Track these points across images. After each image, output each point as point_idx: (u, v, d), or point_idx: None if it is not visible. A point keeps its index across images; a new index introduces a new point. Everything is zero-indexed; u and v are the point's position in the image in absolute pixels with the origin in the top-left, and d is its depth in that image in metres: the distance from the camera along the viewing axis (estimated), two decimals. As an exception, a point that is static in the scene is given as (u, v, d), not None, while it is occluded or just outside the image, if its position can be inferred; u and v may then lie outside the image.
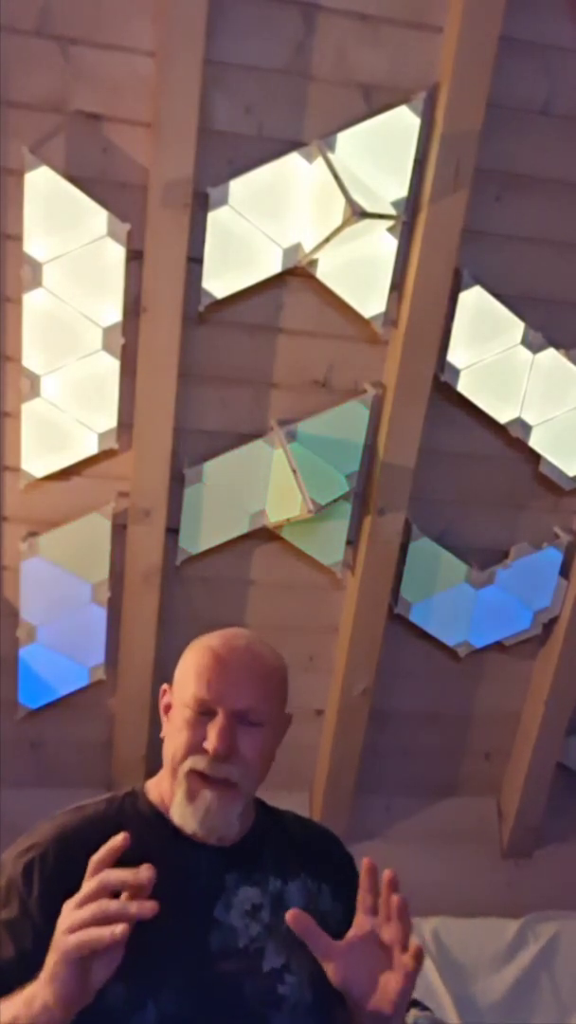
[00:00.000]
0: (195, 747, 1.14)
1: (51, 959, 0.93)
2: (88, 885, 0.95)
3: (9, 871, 1.12)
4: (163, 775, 1.21)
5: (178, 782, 1.15)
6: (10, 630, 2.05)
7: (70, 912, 0.94)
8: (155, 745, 2.17)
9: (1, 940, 1.07)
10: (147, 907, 0.92)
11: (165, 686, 1.26)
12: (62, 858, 1.11)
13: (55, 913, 1.04)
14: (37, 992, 0.94)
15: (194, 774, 1.14)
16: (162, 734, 1.22)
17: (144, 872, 0.94)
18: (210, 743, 1.13)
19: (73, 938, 0.92)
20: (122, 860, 1.14)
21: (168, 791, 1.18)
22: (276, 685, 1.21)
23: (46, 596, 2.02)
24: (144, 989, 1.05)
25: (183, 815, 1.15)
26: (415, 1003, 1.25)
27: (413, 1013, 1.22)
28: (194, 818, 1.14)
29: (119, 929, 0.90)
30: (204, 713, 1.15)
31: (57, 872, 1.10)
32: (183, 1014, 1.05)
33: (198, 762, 1.14)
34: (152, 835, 1.16)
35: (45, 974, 0.94)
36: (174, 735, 1.17)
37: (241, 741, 1.15)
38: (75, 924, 0.92)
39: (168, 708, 1.23)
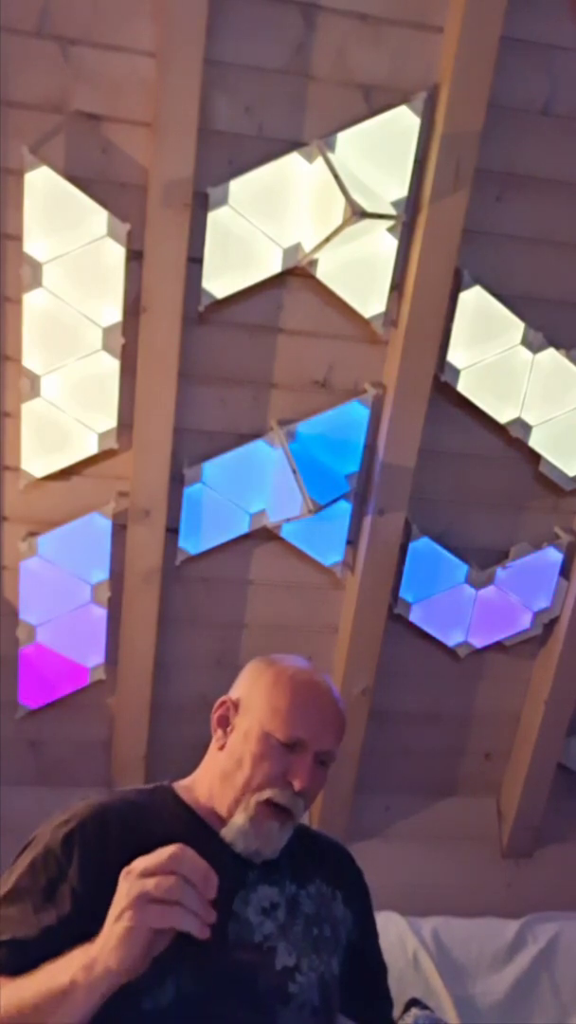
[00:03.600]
0: (278, 780, 1.18)
1: (121, 925, 0.92)
2: (161, 857, 0.94)
3: (47, 841, 1.14)
4: (216, 785, 1.23)
5: (244, 806, 1.18)
6: (10, 630, 2.05)
7: (139, 880, 0.93)
8: (155, 745, 2.18)
9: (39, 904, 1.09)
10: (209, 924, 0.92)
11: (226, 699, 1.28)
12: (100, 830, 1.13)
13: (94, 881, 1.06)
14: (98, 957, 0.94)
15: (266, 803, 1.18)
16: (219, 746, 1.25)
17: (214, 884, 0.94)
18: (299, 782, 1.17)
19: (158, 911, 0.91)
20: (155, 844, 1.15)
21: (223, 803, 1.20)
22: (345, 729, 1.26)
23: (46, 596, 2.02)
24: (165, 967, 1.06)
25: (242, 836, 1.18)
26: (416, 1002, 1.26)
27: (414, 1012, 1.22)
28: (255, 842, 1.18)
29: (207, 933, 0.91)
30: (291, 746, 1.19)
31: (96, 842, 1.12)
32: (200, 994, 1.07)
33: (279, 796, 1.18)
34: (181, 827, 1.19)
35: (110, 940, 0.93)
36: (251, 762, 1.19)
37: (312, 779, 1.20)
38: (157, 895, 0.91)
39: (225, 720, 1.26)
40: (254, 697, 1.24)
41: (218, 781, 1.22)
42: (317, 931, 1.21)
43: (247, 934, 1.15)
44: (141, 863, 0.94)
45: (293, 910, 1.20)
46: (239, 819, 1.18)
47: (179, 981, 1.07)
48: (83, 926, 1.01)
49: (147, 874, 0.93)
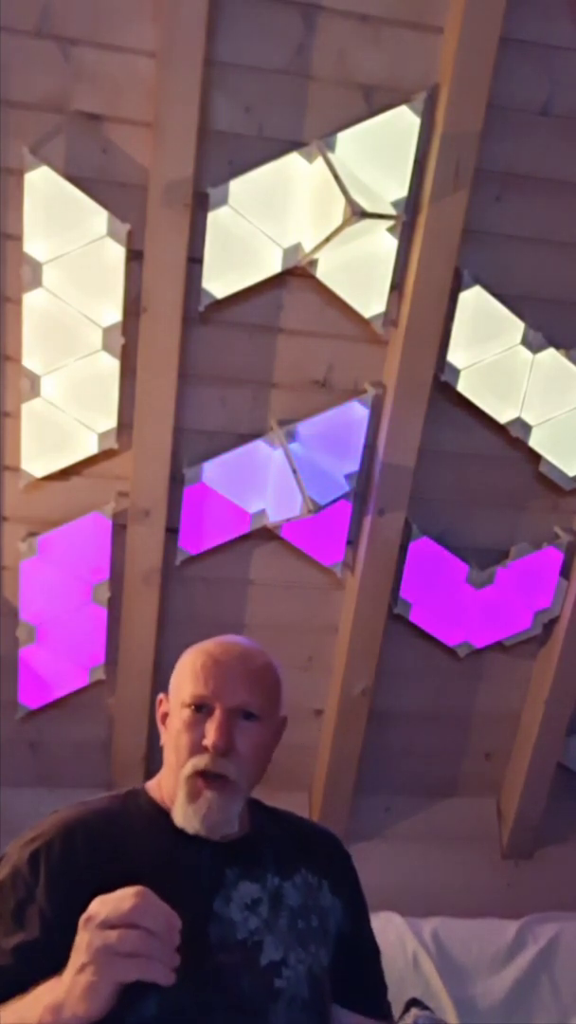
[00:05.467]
0: (195, 747, 1.17)
1: (85, 979, 0.90)
2: (122, 908, 0.91)
3: (15, 861, 1.13)
4: (164, 776, 1.24)
5: (180, 785, 1.17)
6: (10, 630, 2.05)
7: (101, 932, 0.90)
8: (155, 745, 2.17)
9: (8, 928, 1.08)
10: (173, 972, 0.91)
11: (161, 696, 1.29)
12: (67, 848, 1.13)
13: (61, 901, 1.05)
14: (65, 1002, 0.92)
15: (195, 776, 1.16)
16: (162, 742, 1.25)
17: (176, 929, 0.92)
18: (209, 738, 1.16)
19: (123, 965, 0.89)
20: (127, 855, 1.15)
21: (170, 792, 1.20)
22: (270, 682, 1.24)
23: (46, 596, 2.02)
24: (146, 982, 1.05)
25: (185, 815, 1.17)
26: (416, 1002, 1.26)
27: (414, 1013, 1.22)
28: (196, 817, 1.16)
29: (172, 978, 0.90)
30: (201, 711, 1.18)
31: (63, 861, 1.11)
32: (184, 1002, 1.06)
33: (199, 762, 1.16)
34: (155, 830, 1.19)
35: (75, 990, 0.91)
36: (174, 739, 1.20)
37: (238, 738, 1.17)
38: (121, 951, 0.89)
39: (165, 717, 1.27)
40: (172, 682, 1.25)
41: (165, 775, 1.23)
42: (303, 923, 1.20)
43: (230, 933, 1.14)
44: (101, 911, 0.91)
45: (277, 904, 1.19)
46: (179, 801, 1.17)
47: (161, 993, 1.04)
48: (53, 947, 0.99)
49: (107, 926, 0.90)
